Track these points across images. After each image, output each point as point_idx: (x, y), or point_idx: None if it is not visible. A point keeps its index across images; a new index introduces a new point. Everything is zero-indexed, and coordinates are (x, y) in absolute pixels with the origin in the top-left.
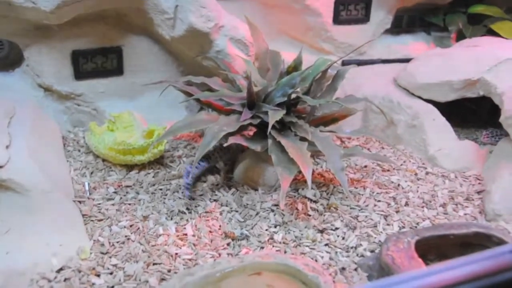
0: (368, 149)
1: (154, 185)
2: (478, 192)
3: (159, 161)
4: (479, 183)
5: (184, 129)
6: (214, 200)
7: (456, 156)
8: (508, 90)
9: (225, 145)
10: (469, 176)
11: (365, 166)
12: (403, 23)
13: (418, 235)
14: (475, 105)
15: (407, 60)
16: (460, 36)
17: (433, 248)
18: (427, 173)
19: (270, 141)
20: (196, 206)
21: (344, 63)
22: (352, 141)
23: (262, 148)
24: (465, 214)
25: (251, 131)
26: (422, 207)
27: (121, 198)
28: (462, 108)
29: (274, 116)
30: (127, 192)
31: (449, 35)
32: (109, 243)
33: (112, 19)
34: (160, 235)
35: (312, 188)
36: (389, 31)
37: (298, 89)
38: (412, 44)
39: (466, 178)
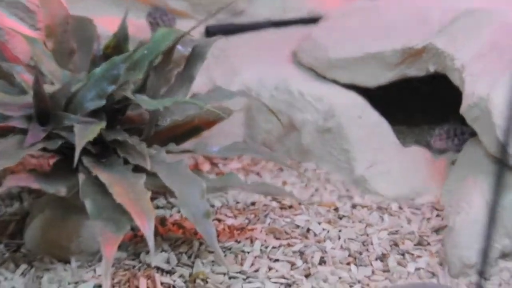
0: (258, 173)
1: None
2: (437, 231)
3: None
4: (438, 216)
5: None
6: None
7: (398, 174)
8: (471, 63)
9: None
10: (421, 206)
11: (253, 204)
12: None
13: None
14: (430, 86)
15: (313, 21)
16: None
17: None
18: (354, 206)
19: (81, 177)
20: None
21: (209, 32)
22: (231, 163)
23: (69, 190)
24: (418, 269)
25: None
26: (348, 263)
27: None
28: (410, 93)
29: (84, 134)
30: None
31: None
32: None
33: None
34: None
35: (163, 250)
36: None
37: (127, 85)
38: None
39: (416, 209)
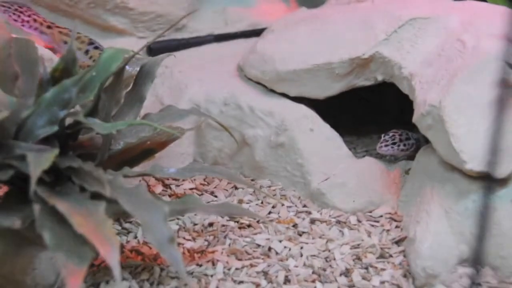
0: (212, 193)
1: None
2: (397, 242)
3: None
4: (397, 227)
5: None
6: None
7: (354, 186)
8: (419, 70)
9: None
10: (379, 217)
11: (211, 225)
12: None
13: None
14: (378, 95)
15: (257, 33)
16: None
17: None
18: (312, 221)
19: (36, 207)
20: None
21: (152, 49)
22: (183, 184)
23: (23, 221)
24: (383, 283)
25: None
26: (313, 281)
27: None
28: (358, 102)
29: (38, 162)
30: None
31: None
32: None
33: None
34: None
35: (123, 279)
36: None
37: (77, 108)
38: (263, 4)
39: (375, 221)
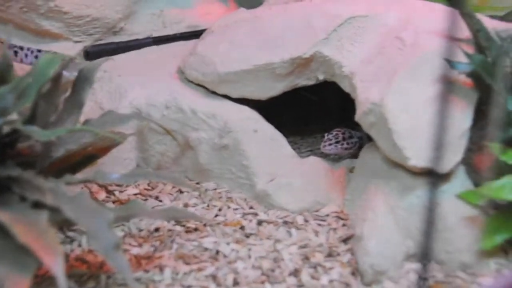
0: (157, 197)
1: None
2: (345, 241)
3: None
4: (344, 225)
5: None
6: None
7: (300, 186)
8: (360, 68)
9: None
10: (326, 216)
11: (157, 230)
12: None
13: None
14: (319, 94)
15: (197, 35)
16: None
17: None
18: (259, 223)
19: None
20: None
21: (89, 53)
22: (126, 189)
23: None
24: (331, 281)
25: None
26: (262, 282)
27: None
28: (300, 103)
29: None
30: None
31: None
32: None
33: None
34: None
35: None
36: None
37: (14, 116)
38: (201, 5)
39: (322, 220)
